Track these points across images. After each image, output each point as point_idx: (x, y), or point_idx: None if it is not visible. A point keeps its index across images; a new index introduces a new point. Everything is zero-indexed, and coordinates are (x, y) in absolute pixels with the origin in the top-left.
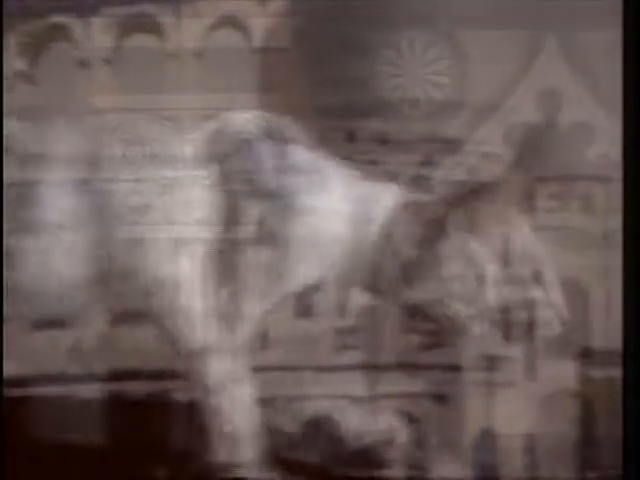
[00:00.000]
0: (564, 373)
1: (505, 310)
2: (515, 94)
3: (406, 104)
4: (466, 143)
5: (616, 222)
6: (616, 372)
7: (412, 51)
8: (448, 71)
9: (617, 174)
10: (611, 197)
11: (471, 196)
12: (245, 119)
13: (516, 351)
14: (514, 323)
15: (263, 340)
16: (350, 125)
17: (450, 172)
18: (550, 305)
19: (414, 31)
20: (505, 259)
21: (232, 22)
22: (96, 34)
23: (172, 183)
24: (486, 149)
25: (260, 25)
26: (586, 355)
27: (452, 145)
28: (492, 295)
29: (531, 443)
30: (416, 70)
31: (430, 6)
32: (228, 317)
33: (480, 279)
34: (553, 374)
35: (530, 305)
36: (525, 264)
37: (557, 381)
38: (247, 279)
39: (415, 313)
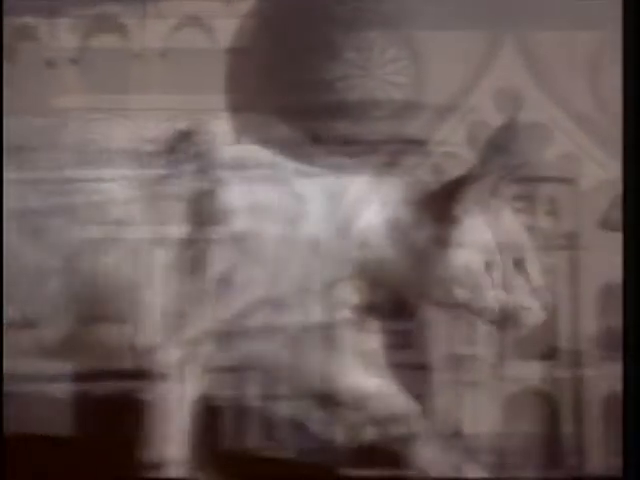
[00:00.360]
0: (530, 373)
1: (490, 300)
2: (474, 94)
3: (368, 105)
4: (427, 143)
5: (580, 223)
6: (581, 372)
7: (372, 52)
8: (407, 71)
9: (579, 174)
10: (574, 198)
11: (455, 185)
12: (210, 120)
13: (483, 350)
14: (499, 312)
15: (216, 342)
16: (314, 126)
17: (413, 172)
18: (533, 292)
19: (375, 32)
20: (488, 247)
21: (197, 22)
22: (62, 34)
23: (135, 183)
24: (447, 149)
25: (225, 25)
26: (552, 356)
27: (414, 146)
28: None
29: (497, 442)
30: (376, 71)
31: (391, 7)
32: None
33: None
34: (520, 374)
35: (513, 293)
36: (508, 252)
37: (523, 381)
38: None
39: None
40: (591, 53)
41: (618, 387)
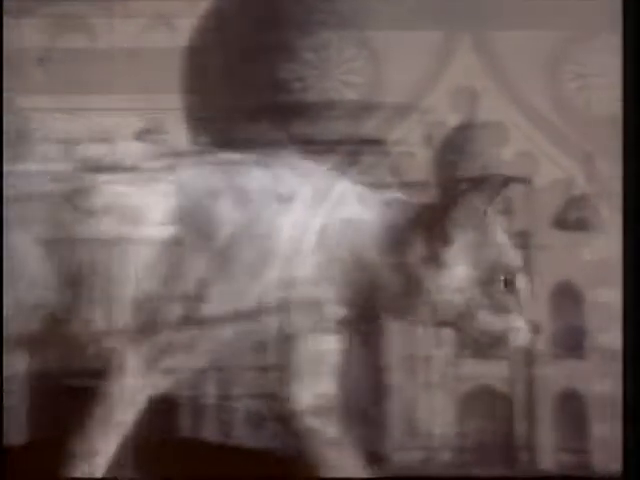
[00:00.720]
0: (486, 372)
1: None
2: (431, 94)
3: (325, 105)
4: (384, 143)
5: (534, 222)
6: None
7: (329, 52)
8: (364, 72)
9: (534, 173)
10: (528, 197)
11: (446, 205)
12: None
13: (440, 351)
14: (488, 333)
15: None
16: (274, 126)
17: (370, 172)
18: (522, 313)
19: (332, 33)
20: (478, 265)
21: (161, 23)
22: (29, 34)
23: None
24: (405, 148)
25: (188, 26)
26: (506, 356)
27: (370, 145)
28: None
29: (454, 441)
30: (333, 71)
31: (348, 7)
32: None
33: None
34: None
35: (503, 313)
36: (498, 271)
37: (479, 380)
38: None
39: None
40: (549, 52)
41: (572, 385)
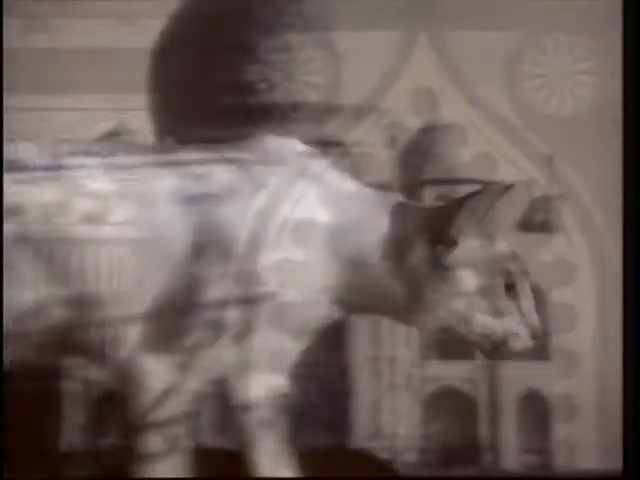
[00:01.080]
0: (450, 374)
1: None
2: (390, 95)
3: (287, 106)
4: (343, 144)
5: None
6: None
7: (291, 54)
8: (325, 73)
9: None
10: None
11: (451, 208)
12: (140, 120)
13: (404, 351)
14: (488, 337)
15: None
16: (238, 127)
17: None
18: (522, 318)
19: (295, 34)
20: (480, 270)
21: (126, 23)
22: None
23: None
24: (364, 149)
25: (154, 27)
26: (470, 356)
27: (330, 147)
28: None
29: (417, 442)
30: (295, 73)
31: (312, 9)
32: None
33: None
34: (439, 374)
35: (503, 318)
36: (499, 275)
37: (443, 381)
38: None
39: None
40: (507, 53)
41: (535, 385)
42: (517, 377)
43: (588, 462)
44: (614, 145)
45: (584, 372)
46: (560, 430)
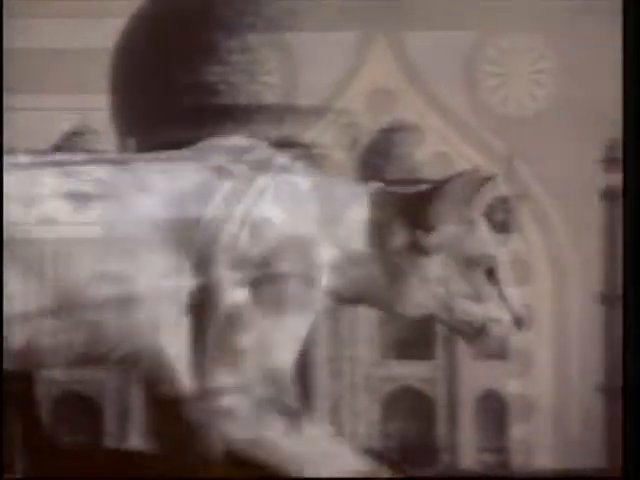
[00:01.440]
0: (409, 373)
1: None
2: (347, 95)
3: (246, 107)
4: (299, 145)
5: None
6: (457, 373)
7: (250, 55)
8: (282, 74)
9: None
10: None
11: (430, 193)
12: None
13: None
14: (468, 323)
15: None
16: (200, 127)
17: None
18: (503, 305)
19: (255, 35)
20: (460, 256)
21: (87, 23)
22: None
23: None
24: (319, 150)
25: (115, 27)
26: (430, 356)
27: (286, 147)
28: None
29: (378, 441)
30: (253, 73)
31: (273, 10)
32: None
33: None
34: (399, 374)
35: (484, 303)
36: (481, 262)
37: (402, 381)
38: None
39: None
40: (466, 53)
41: (492, 385)
42: (475, 377)
43: (545, 461)
44: (571, 145)
45: (540, 372)
46: (517, 429)
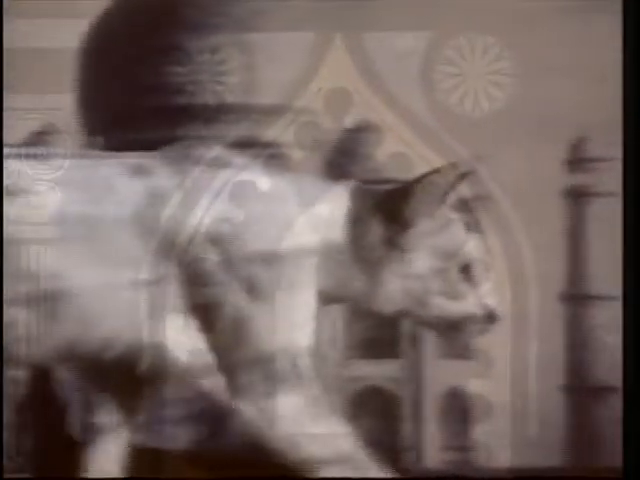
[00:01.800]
0: (375, 373)
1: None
2: (304, 95)
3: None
4: (257, 145)
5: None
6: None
7: (213, 55)
8: (242, 73)
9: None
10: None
11: (405, 189)
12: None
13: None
14: (443, 320)
15: None
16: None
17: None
18: (479, 300)
19: (218, 35)
20: (435, 252)
21: (56, 23)
22: None
23: None
24: (277, 150)
25: (81, 26)
26: (395, 355)
27: (243, 146)
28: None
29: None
30: (214, 73)
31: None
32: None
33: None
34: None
35: (458, 300)
36: (454, 259)
37: (368, 380)
38: None
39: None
40: (423, 53)
41: (457, 384)
42: (440, 376)
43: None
44: (531, 146)
45: (500, 372)
46: (479, 428)
